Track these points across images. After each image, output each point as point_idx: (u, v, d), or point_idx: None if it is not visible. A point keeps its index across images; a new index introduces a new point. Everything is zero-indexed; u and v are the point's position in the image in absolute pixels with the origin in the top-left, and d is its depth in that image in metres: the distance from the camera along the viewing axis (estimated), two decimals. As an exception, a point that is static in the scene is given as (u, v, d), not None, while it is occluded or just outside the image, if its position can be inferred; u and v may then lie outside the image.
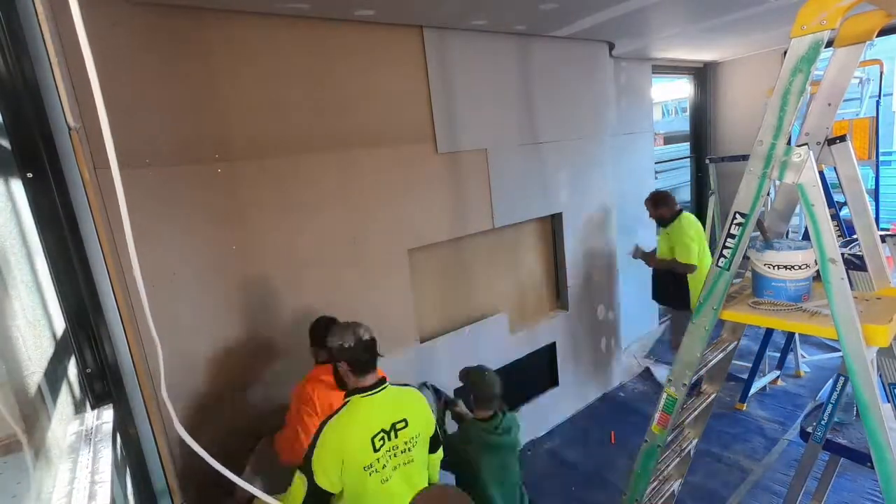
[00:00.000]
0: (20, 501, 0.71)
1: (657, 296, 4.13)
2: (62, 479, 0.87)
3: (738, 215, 1.47)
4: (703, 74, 5.59)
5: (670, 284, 3.82)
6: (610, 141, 4.17)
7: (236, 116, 2.28)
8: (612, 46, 4.00)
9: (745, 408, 3.91)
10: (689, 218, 3.73)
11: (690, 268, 3.62)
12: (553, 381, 3.97)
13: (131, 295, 1.71)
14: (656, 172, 5.27)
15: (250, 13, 2.26)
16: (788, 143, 1.40)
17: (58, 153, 1.09)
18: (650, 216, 3.88)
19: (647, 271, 4.91)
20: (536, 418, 3.84)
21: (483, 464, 2.07)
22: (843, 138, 1.65)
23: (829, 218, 1.33)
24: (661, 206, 3.77)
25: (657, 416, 1.83)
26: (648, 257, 3.91)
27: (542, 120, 3.54)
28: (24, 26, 1.04)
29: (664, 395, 1.79)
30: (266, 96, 2.35)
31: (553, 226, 3.94)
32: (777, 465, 3.29)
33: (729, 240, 1.50)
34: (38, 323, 0.98)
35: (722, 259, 1.53)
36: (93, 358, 1.15)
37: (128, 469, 1.21)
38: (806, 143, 1.53)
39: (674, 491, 2.16)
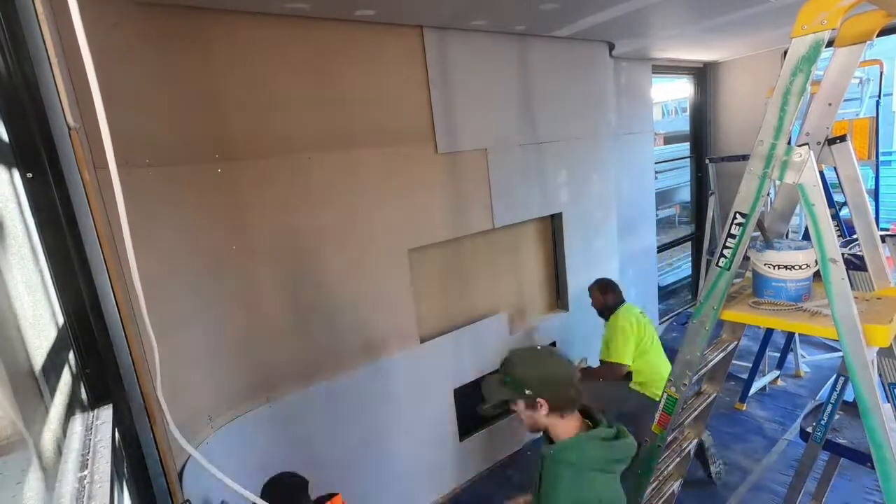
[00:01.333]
0: (20, 502, 0.71)
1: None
2: (61, 479, 0.86)
3: (738, 215, 1.47)
4: (703, 74, 5.59)
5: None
6: (610, 141, 4.17)
7: (236, 116, 2.28)
8: (612, 46, 4.00)
9: (744, 408, 3.91)
10: (629, 309, 3.25)
11: (619, 368, 3.06)
12: (553, 382, 3.96)
13: (130, 296, 1.71)
14: (656, 172, 5.27)
15: (250, 13, 2.26)
16: (789, 143, 1.40)
17: (58, 153, 1.09)
18: (595, 305, 3.40)
19: (648, 271, 4.92)
20: (536, 418, 3.83)
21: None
22: (843, 138, 1.65)
23: (830, 218, 1.33)
24: (609, 293, 3.31)
25: (658, 416, 1.83)
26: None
27: (542, 120, 3.54)
28: (24, 26, 1.04)
29: (664, 395, 1.80)
30: (266, 96, 2.35)
31: (553, 226, 3.94)
32: (777, 465, 3.29)
33: (729, 240, 1.50)
34: (37, 323, 0.98)
35: (722, 259, 1.54)
36: (92, 357, 1.15)
37: (127, 469, 1.21)
38: (806, 143, 1.53)
39: (674, 491, 2.17)
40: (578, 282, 4.03)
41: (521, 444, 3.75)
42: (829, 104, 1.62)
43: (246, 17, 2.26)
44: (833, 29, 1.22)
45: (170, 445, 1.39)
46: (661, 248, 5.50)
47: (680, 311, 5.64)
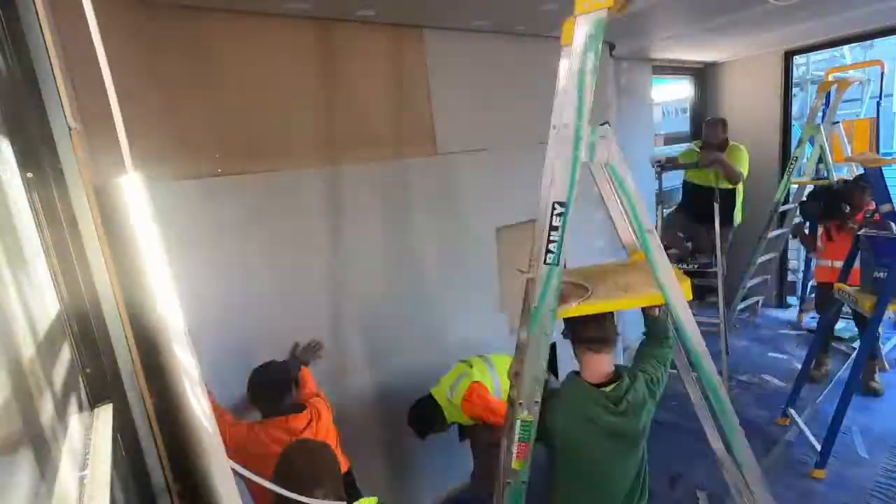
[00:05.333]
0: (19, 502, 0.71)
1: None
2: (61, 478, 0.86)
3: (557, 205, 1.38)
4: (703, 75, 5.59)
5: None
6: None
7: (237, 117, 2.28)
8: (612, 47, 4.00)
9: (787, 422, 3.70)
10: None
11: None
12: (553, 382, 3.96)
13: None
14: (656, 174, 5.26)
15: (251, 13, 2.26)
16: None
17: (58, 153, 1.09)
18: (714, 140, 4.27)
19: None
20: (536, 419, 3.83)
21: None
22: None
23: (639, 192, 1.40)
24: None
25: (515, 449, 1.56)
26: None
27: (543, 120, 3.51)
28: (25, 25, 1.04)
29: (517, 423, 1.53)
30: (267, 96, 2.35)
31: (553, 226, 3.93)
32: (777, 466, 3.29)
33: (553, 233, 1.40)
34: (37, 323, 0.99)
35: (549, 255, 1.42)
36: (92, 357, 1.15)
37: (127, 468, 1.21)
38: (606, 122, 1.47)
39: None
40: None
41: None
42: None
43: (245, 17, 2.25)
44: (609, 7, 1.26)
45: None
46: (662, 249, 5.48)
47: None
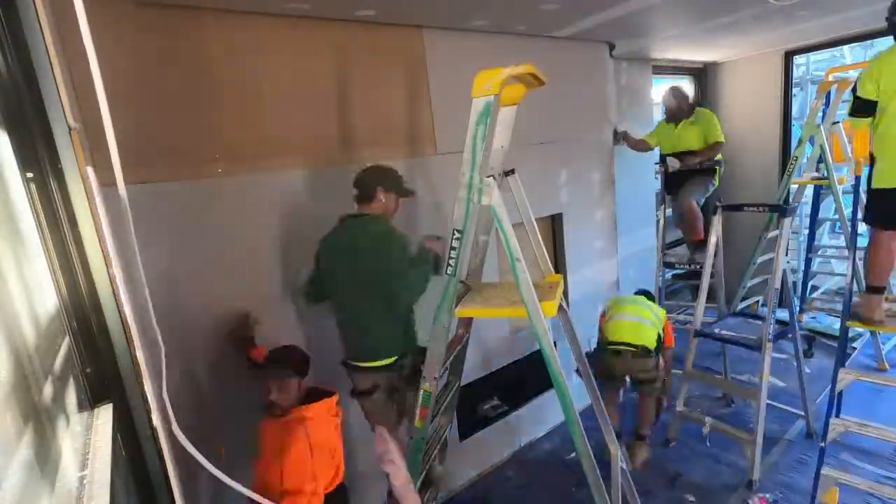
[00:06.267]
0: (18, 502, 0.71)
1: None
2: (61, 478, 0.87)
3: (455, 231, 1.75)
4: (703, 75, 5.59)
5: None
6: (610, 141, 4.17)
7: (236, 117, 2.28)
8: (612, 47, 4.01)
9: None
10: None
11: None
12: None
13: (133, 296, 1.71)
14: (656, 173, 5.26)
15: (250, 13, 2.26)
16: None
17: (58, 153, 1.09)
18: (675, 110, 4.19)
19: (649, 273, 4.91)
20: (536, 418, 3.84)
21: None
22: (512, 171, 2.16)
23: (513, 229, 1.73)
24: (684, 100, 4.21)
25: (417, 412, 2.01)
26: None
27: (543, 120, 3.54)
28: (25, 25, 1.04)
29: (421, 392, 1.97)
30: (266, 96, 2.35)
31: (553, 226, 3.94)
32: (777, 465, 3.29)
33: (452, 252, 1.77)
34: (37, 322, 0.99)
35: (449, 268, 1.78)
36: (92, 357, 1.15)
37: (127, 468, 1.21)
38: (492, 175, 1.80)
39: (438, 472, 2.42)
40: (579, 282, 4.03)
41: (521, 444, 3.75)
42: (502, 146, 2.06)
43: (245, 17, 2.25)
44: (496, 95, 1.64)
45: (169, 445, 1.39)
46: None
47: (680, 311, 5.63)
